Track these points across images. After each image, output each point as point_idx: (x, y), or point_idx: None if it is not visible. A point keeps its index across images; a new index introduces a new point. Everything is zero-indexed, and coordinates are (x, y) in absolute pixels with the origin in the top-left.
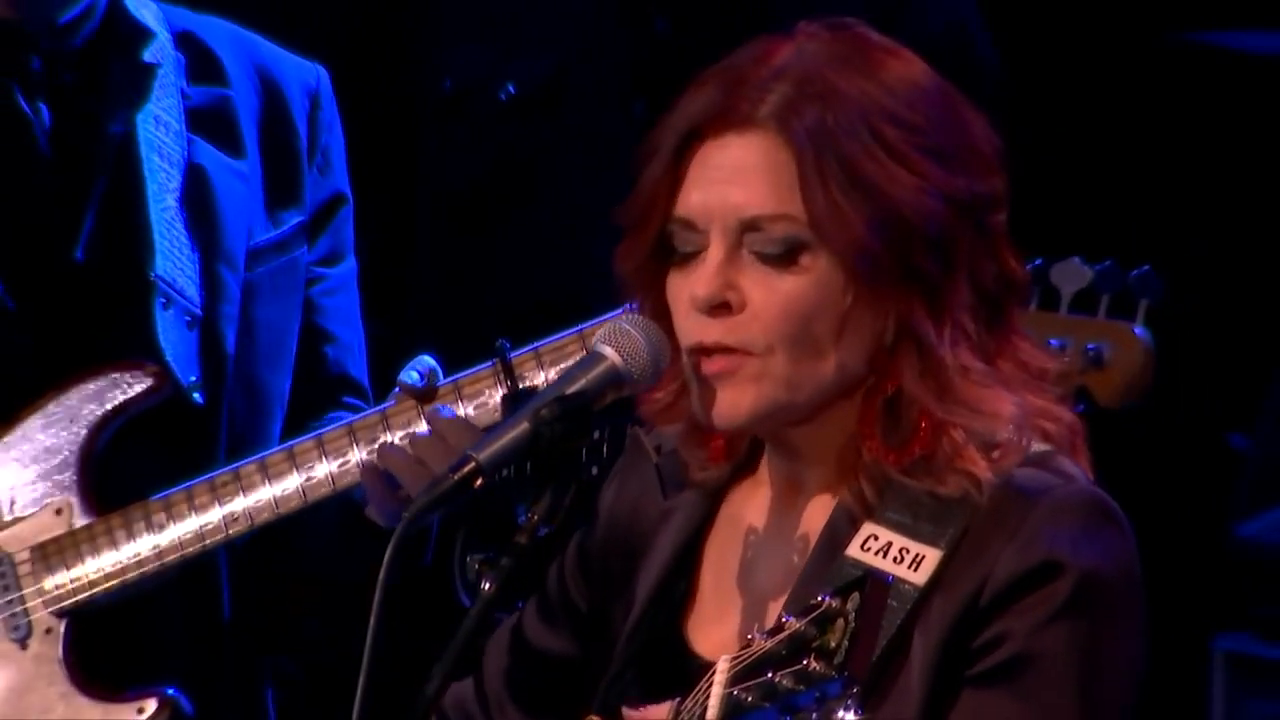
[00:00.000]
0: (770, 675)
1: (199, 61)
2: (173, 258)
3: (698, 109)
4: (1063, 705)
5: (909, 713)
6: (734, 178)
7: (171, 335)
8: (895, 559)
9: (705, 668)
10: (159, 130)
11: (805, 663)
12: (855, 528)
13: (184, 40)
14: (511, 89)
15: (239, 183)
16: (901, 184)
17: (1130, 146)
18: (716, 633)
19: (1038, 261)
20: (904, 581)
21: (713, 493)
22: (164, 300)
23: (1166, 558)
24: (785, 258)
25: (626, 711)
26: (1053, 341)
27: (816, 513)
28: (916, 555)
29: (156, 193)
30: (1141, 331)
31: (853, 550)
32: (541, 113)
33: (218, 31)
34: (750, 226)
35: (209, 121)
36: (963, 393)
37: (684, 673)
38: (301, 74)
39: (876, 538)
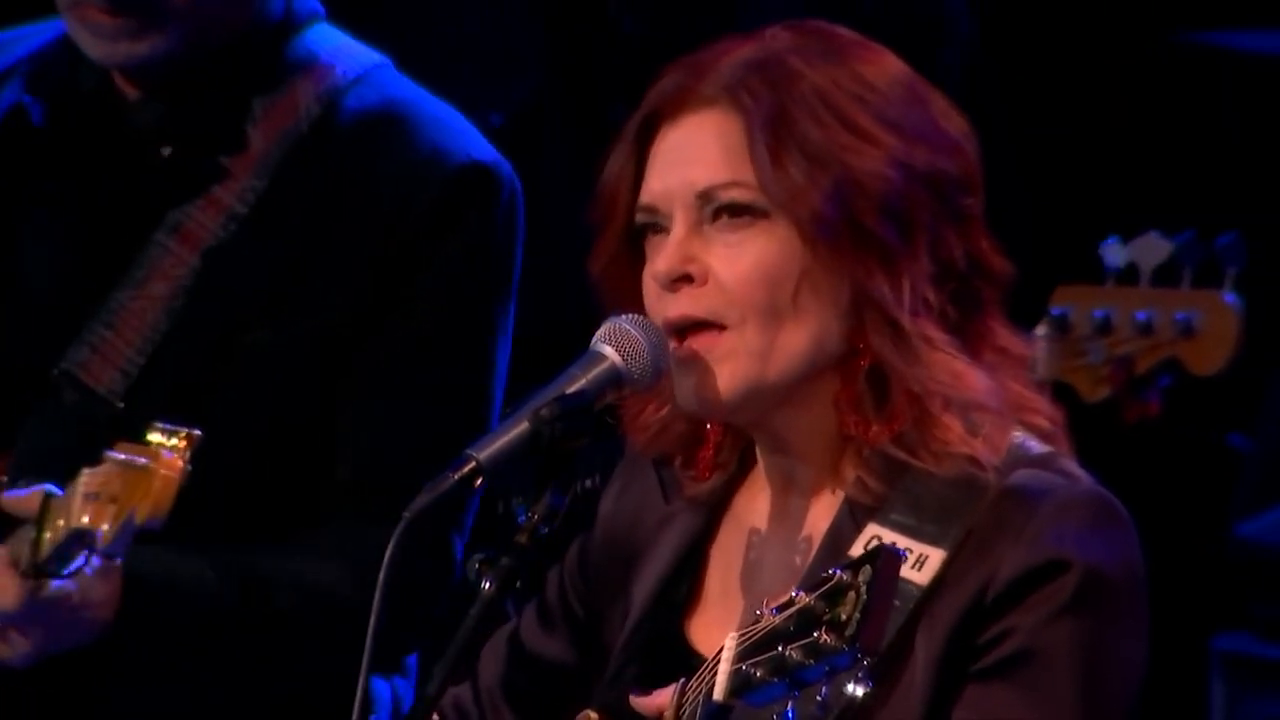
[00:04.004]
0: (780, 649)
1: (329, 150)
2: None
3: (656, 95)
4: (1066, 700)
5: (913, 708)
6: (689, 155)
7: None
8: None
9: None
10: (196, 212)
11: (816, 635)
12: (859, 529)
13: (330, 119)
14: (496, 120)
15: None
16: (851, 149)
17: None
18: (719, 633)
19: (1111, 239)
20: (908, 581)
21: (715, 498)
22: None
23: (1166, 557)
24: (742, 225)
25: (634, 699)
26: (1138, 315)
27: (820, 513)
28: (920, 556)
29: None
30: (1232, 298)
31: (856, 552)
32: (528, 136)
33: (382, 113)
34: (706, 197)
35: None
36: (932, 361)
37: (686, 670)
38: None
39: (880, 539)
